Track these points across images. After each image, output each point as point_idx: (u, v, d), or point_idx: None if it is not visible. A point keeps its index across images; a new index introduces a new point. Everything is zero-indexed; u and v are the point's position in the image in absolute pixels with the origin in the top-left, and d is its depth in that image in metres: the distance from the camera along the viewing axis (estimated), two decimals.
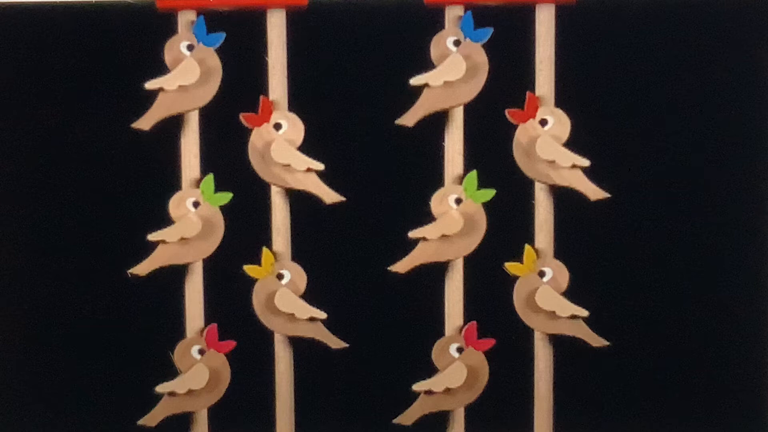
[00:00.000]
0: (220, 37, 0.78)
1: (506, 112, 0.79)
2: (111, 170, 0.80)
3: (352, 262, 0.80)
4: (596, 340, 0.80)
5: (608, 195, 0.78)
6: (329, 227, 0.80)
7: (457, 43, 0.78)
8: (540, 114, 0.78)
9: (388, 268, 0.79)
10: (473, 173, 0.79)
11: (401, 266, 0.79)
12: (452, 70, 0.78)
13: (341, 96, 0.79)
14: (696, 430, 0.81)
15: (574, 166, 0.78)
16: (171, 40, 0.78)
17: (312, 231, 0.80)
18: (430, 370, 0.80)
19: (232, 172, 0.79)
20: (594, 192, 0.78)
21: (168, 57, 0.78)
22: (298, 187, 0.79)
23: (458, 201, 0.79)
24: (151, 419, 0.81)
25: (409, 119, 0.78)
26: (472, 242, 0.79)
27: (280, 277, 0.80)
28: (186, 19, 0.78)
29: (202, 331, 0.80)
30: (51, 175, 0.80)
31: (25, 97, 0.80)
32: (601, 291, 0.80)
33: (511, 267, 0.79)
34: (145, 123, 0.78)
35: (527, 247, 0.79)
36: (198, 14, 0.78)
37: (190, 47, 0.78)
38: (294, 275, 0.80)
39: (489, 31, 0.78)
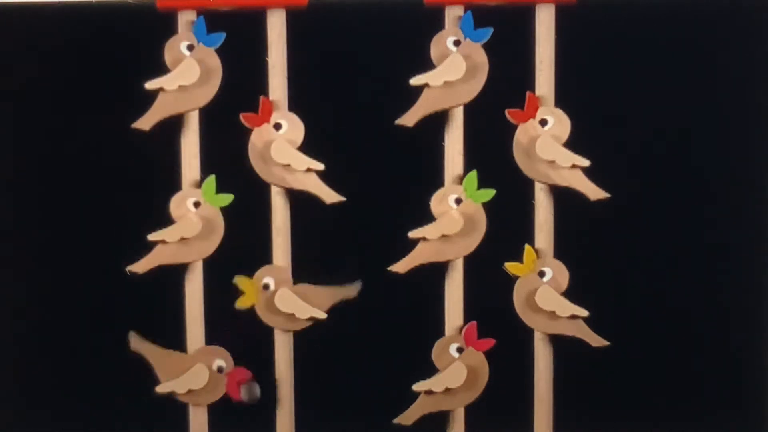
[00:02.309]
0: (220, 37, 0.78)
1: (506, 112, 0.79)
2: (111, 170, 0.80)
3: (352, 262, 0.80)
4: (596, 340, 0.80)
5: (608, 195, 0.78)
6: (329, 227, 0.80)
7: (457, 43, 0.78)
8: (540, 114, 0.78)
9: (388, 269, 0.79)
10: (473, 173, 0.79)
11: (401, 266, 0.79)
12: (452, 70, 0.78)
13: (341, 96, 0.79)
14: (696, 430, 0.81)
15: (574, 166, 0.78)
16: (171, 40, 0.78)
17: (312, 231, 0.80)
18: (430, 370, 0.80)
19: (232, 172, 0.79)
20: (594, 192, 0.78)
21: (168, 57, 0.78)
22: (298, 187, 0.79)
23: (458, 201, 0.79)
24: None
25: (409, 119, 0.78)
26: (472, 242, 0.79)
27: None
28: (186, 19, 0.78)
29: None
30: (51, 175, 0.80)
31: (25, 97, 0.80)
32: (601, 291, 0.80)
33: (511, 267, 0.79)
34: (145, 123, 0.78)
35: (527, 247, 0.79)
36: (198, 14, 0.78)
37: (190, 47, 0.78)
38: None
39: (489, 31, 0.78)
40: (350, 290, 0.79)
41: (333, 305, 0.79)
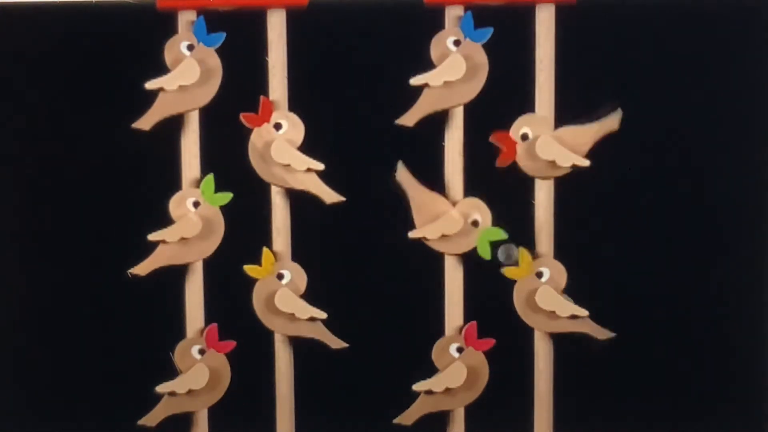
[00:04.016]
0: (220, 37, 0.78)
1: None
2: (111, 170, 0.80)
3: (352, 262, 0.80)
4: (602, 333, 0.79)
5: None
6: (329, 227, 0.80)
7: (457, 43, 0.78)
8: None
9: (386, 269, 0.79)
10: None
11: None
12: (452, 70, 0.78)
13: (341, 96, 0.79)
14: (696, 430, 0.81)
15: (574, 166, 0.78)
16: (171, 40, 0.78)
17: (312, 231, 0.80)
18: (430, 370, 0.80)
19: (232, 172, 0.79)
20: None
21: (168, 57, 0.78)
22: (298, 187, 0.79)
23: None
24: (151, 419, 0.81)
25: (409, 119, 0.78)
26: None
27: (280, 277, 0.80)
28: (186, 19, 0.78)
29: (202, 331, 0.80)
30: (51, 175, 0.80)
31: (25, 97, 0.80)
32: (601, 291, 0.80)
33: (508, 271, 0.79)
34: (145, 123, 0.78)
35: (522, 249, 0.79)
36: (198, 14, 0.78)
37: (190, 47, 0.78)
38: (294, 275, 0.80)
39: (489, 31, 0.78)
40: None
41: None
